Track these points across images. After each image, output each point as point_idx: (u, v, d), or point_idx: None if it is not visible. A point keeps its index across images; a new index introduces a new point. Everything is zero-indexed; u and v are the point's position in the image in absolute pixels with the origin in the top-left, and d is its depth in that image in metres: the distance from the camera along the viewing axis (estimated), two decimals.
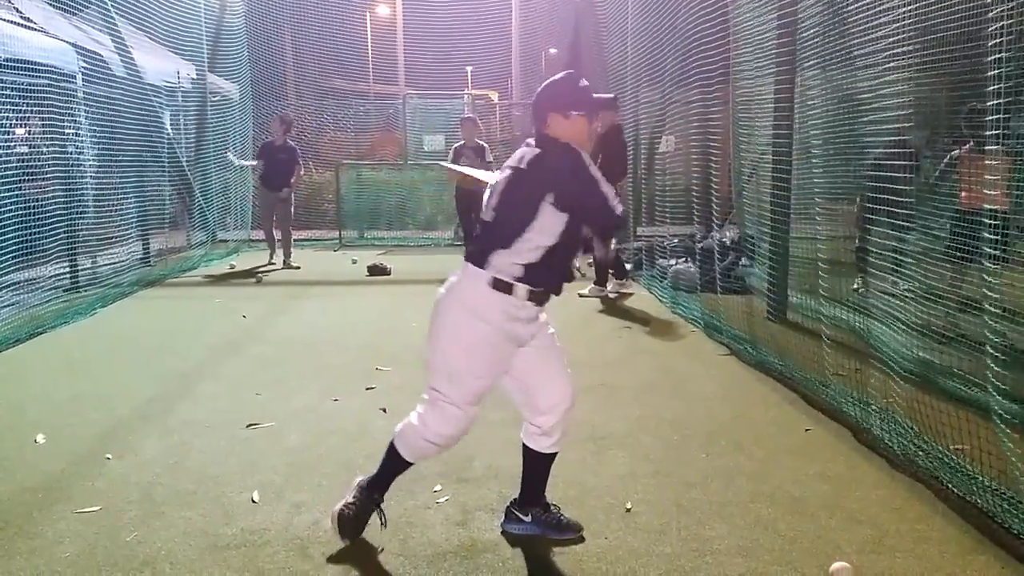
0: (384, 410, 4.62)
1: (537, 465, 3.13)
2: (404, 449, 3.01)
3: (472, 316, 2.83)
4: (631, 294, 8.52)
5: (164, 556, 2.98)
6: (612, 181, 3.01)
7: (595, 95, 3.02)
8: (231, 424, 4.43)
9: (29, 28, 7.78)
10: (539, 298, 2.88)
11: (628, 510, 3.35)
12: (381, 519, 3.08)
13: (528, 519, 3.16)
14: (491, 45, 15.47)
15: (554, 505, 3.19)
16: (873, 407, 4.19)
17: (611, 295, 8.40)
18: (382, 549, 3.03)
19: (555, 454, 3.11)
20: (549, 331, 3.05)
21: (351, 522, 3.05)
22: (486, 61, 15.80)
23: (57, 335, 6.74)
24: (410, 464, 3.05)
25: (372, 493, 3.07)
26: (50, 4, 8.62)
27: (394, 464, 3.06)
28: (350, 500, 3.06)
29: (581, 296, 8.25)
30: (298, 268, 10.87)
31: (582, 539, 3.11)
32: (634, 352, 6.13)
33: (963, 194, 5.50)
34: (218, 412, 4.65)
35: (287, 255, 11.04)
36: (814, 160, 5.42)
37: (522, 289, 2.82)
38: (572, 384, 3.05)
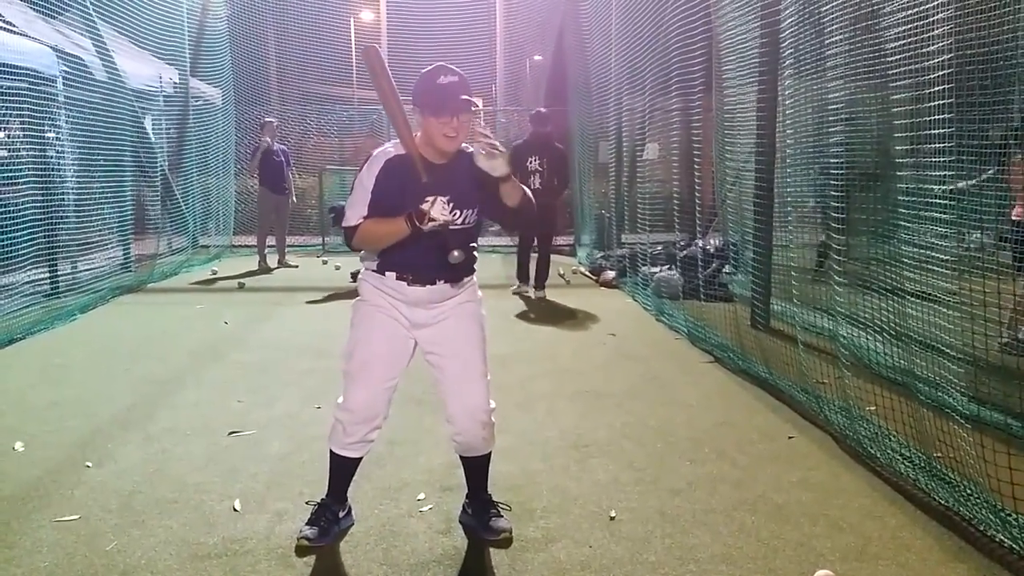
0: None
1: (463, 462, 3.25)
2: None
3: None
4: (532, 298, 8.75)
5: (144, 565, 2.95)
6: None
7: (434, 92, 2.87)
8: (212, 431, 4.39)
9: (9, 31, 7.70)
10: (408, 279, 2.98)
11: (612, 518, 3.35)
12: None
13: (469, 512, 3.25)
14: (475, 51, 15.46)
15: (503, 505, 3.26)
16: (855, 414, 4.21)
17: (514, 291, 8.85)
18: (364, 559, 3.02)
19: (478, 457, 3.18)
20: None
21: None
22: (470, 67, 15.71)
23: (36, 341, 6.67)
24: None
25: None
26: (31, 8, 8.54)
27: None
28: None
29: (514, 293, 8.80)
30: (296, 267, 11.57)
31: (509, 542, 3.10)
32: (618, 359, 6.14)
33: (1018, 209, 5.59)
34: (199, 419, 4.61)
35: (283, 254, 11.75)
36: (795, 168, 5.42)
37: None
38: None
